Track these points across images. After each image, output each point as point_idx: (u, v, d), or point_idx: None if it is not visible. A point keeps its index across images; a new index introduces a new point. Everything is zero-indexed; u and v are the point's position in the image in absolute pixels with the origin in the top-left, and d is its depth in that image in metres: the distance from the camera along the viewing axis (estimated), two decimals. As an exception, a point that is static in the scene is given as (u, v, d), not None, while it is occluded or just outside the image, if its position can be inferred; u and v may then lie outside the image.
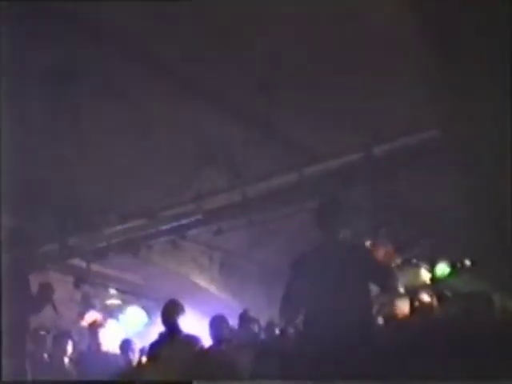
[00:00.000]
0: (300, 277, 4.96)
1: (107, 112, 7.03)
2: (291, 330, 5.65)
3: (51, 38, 5.94)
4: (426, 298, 5.66)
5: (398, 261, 4.95)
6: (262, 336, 6.94)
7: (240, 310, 7.86)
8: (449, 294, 5.76)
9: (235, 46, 6.23)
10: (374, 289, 4.89)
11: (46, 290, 6.53)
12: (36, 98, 6.67)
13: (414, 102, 6.54)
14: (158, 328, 6.91)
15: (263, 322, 7.62)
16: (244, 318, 7.45)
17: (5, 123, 6.08)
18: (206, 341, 6.82)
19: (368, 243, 4.97)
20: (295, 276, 5.02)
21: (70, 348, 7.66)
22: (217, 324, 6.78)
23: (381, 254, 4.89)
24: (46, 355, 7.51)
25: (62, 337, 7.68)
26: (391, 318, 5.59)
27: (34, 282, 6.13)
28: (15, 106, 6.40)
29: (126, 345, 7.78)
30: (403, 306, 5.68)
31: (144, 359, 6.98)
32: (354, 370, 4.40)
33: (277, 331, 6.57)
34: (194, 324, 7.65)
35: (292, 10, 5.80)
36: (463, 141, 6.25)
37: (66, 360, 7.55)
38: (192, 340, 6.54)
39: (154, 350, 6.69)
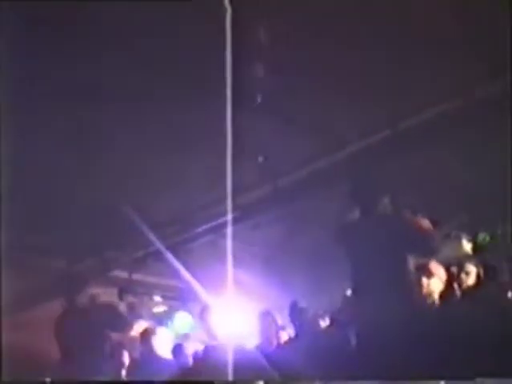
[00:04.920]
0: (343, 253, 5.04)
1: (137, 121, 6.98)
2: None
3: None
4: (472, 268, 5.52)
5: (438, 234, 4.85)
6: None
7: (286, 303, 7.75)
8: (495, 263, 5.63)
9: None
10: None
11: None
12: (63, 111, 6.62)
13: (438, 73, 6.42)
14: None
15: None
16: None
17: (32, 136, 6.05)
18: (255, 338, 6.77)
19: (408, 214, 4.92)
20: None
21: (125, 358, 7.73)
22: (265, 321, 6.72)
23: (422, 224, 4.82)
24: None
25: (116, 348, 7.71)
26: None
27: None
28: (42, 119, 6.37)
29: (177, 349, 7.76)
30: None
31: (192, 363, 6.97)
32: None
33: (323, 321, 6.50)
34: (241, 323, 7.60)
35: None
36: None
37: (124, 370, 7.62)
38: (230, 343, 6.47)
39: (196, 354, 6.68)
